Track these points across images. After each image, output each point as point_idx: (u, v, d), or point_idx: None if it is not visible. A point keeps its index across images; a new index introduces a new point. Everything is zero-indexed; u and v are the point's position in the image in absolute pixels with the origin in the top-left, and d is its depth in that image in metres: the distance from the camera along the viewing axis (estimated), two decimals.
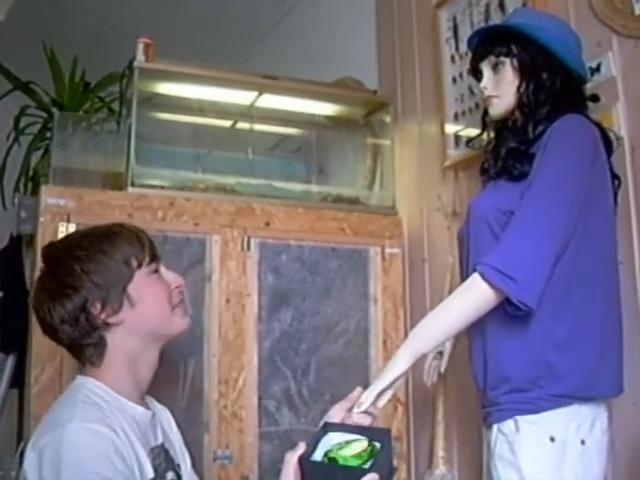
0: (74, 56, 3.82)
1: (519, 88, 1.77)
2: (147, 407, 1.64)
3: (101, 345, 1.58)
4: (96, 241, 1.58)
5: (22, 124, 3.74)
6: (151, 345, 1.63)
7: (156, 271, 1.63)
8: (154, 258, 1.63)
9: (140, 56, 2.58)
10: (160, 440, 1.64)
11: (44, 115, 3.73)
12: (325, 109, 3.13)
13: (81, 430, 1.41)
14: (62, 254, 1.59)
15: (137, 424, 1.55)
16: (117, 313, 1.56)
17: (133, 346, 1.59)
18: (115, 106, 3.74)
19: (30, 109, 3.77)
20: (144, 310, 1.59)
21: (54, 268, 1.59)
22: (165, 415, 1.78)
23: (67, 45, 3.75)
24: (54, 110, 3.59)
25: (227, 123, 3.09)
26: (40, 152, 3.64)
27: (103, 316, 1.55)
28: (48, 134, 3.58)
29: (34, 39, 3.79)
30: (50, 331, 1.59)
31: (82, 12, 4.06)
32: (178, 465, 1.70)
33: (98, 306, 1.55)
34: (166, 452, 1.64)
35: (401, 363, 1.56)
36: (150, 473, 1.51)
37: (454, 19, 2.64)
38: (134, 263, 1.58)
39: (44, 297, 1.57)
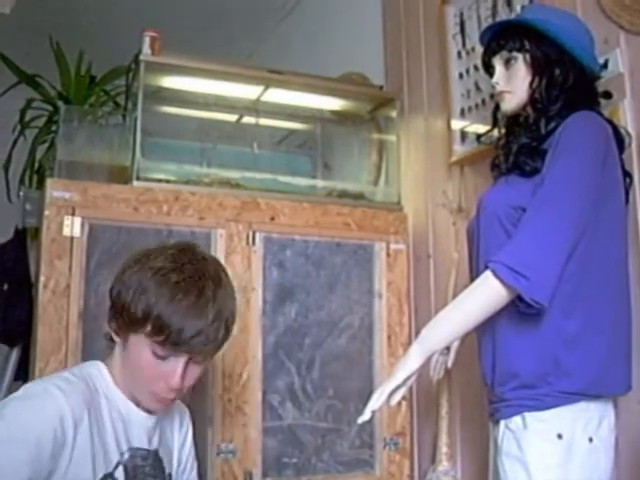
0: (80, 50, 3.81)
1: (531, 84, 1.76)
2: (150, 412, 1.61)
3: (112, 341, 1.58)
4: (158, 275, 1.49)
5: (28, 117, 3.73)
6: None
7: (158, 355, 1.49)
8: (178, 349, 1.48)
9: (146, 50, 2.58)
10: (154, 445, 1.62)
11: (50, 108, 3.73)
12: (331, 104, 3.12)
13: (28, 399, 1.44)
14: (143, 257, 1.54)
15: (123, 420, 1.56)
16: (117, 335, 1.55)
17: (127, 376, 1.57)
18: (121, 100, 3.73)
19: (36, 102, 3.76)
20: (128, 362, 1.54)
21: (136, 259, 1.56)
22: (175, 422, 1.75)
23: (73, 38, 3.75)
24: (60, 103, 3.59)
25: (233, 117, 3.09)
26: (45, 145, 3.63)
27: (112, 325, 1.55)
28: (54, 127, 3.58)
29: (40, 32, 3.79)
30: None
31: (88, 5, 4.06)
32: (169, 475, 1.68)
33: (113, 314, 1.55)
34: (157, 459, 1.62)
35: (413, 361, 1.57)
36: (109, 467, 1.51)
37: (461, 15, 2.64)
38: (148, 327, 1.46)
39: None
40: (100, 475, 1.49)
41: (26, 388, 1.51)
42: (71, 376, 1.54)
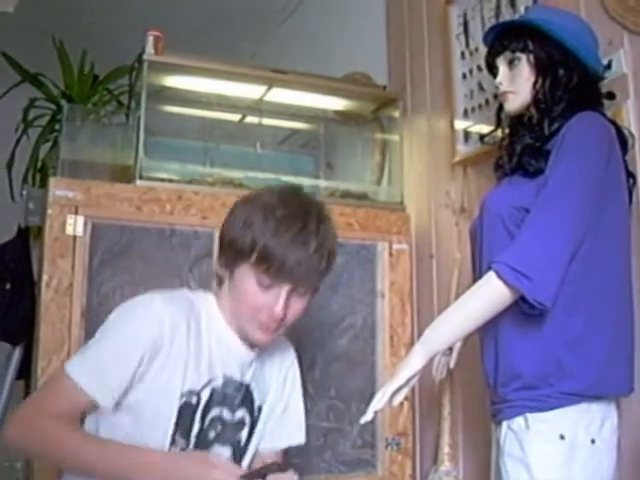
0: (83, 49, 3.81)
1: (535, 84, 1.76)
2: (252, 346, 1.69)
3: (220, 281, 1.70)
4: (265, 210, 1.58)
5: (31, 116, 3.74)
6: None
7: (263, 285, 1.58)
8: (281, 277, 1.56)
9: (149, 49, 2.58)
10: (246, 380, 1.71)
11: (53, 107, 3.73)
12: (334, 104, 3.12)
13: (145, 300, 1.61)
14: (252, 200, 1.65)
15: (221, 347, 1.66)
16: (225, 269, 1.65)
17: (233, 307, 1.65)
18: (124, 99, 3.73)
19: (39, 101, 3.76)
20: (233, 293, 1.64)
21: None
22: (275, 358, 1.82)
23: (76, 38, 3.75)
24: (63, 102, 3.59)
25: (236, 117, 3.09)
26: (49, 144, 3.64)
27: (221, 261, 1.67)
28: (57, 126, 3.58)
29: (43, 31, 3.79)
30: None
31: (91, 5, 4.06)
32: (259, 407, 1.75)
33: (221, 249, 1.67)
34: (247, 392, 1.71)
35: (415, 362, 1.57)
36: (197, 384, 1.61)
37: (464, 15, 2.64)
38: (253, 257, 1.56)
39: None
40: (186, 388, 1.59)
41: (136, 298, 1.64)
42: (178, 295, 1.68)
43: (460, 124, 2.61)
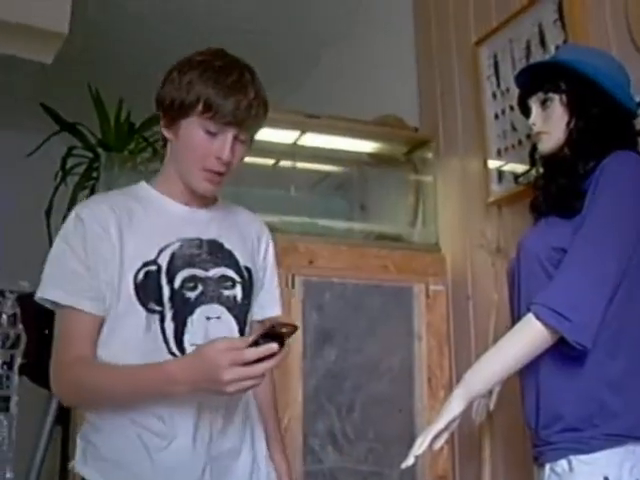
0: (120, 97, 3.88)
1: (568, 124, 1.76)
2: (196, 206, 1.76)
3: (164, 140, 1.77)
4: (202, 65, 1.65)
5: (69, 164, 3.79)
6: None
7: (209, 132, 1.64)
8: (226, 122, 1.63)
9: None
10: (209, 236, 1.74)
11: (90, 155, 3.78)
12: (367, 147, 3.15)
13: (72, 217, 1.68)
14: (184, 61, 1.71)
15: (164, 216, 1.72)
16: (168, 129, 1.70)
17: (178, 165, 1.72)
18: (160, 146, 3.78)
19: (77, 149, 3.82)
20: (180, 148, 1.69)
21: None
22: (249, 227, 1.89)
23: (112, 86, 3.81)
24: (100, 150, 3.64)
25: (270, 161, 3.11)
26: (86, 192, 3.68)
27: (164, 123, 1.71)
28: (94, 174, 3.62)
29: (81, 81, 3.86)
30: None
31: (127, 55, 4.14)
32: (247, 268, 1.78)
33: (162, 111, 1.71)
34: (216, 246, 1.75)
35: (455, 405, 1.56)
36: (148, 256, 1.65)
37: (495, 56, 2.65)
38: (199, 107, 1.62)
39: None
40: (138, 264, 1.64)
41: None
42: (100, 195, 1.87)
43: (493, 164, 2.61)
